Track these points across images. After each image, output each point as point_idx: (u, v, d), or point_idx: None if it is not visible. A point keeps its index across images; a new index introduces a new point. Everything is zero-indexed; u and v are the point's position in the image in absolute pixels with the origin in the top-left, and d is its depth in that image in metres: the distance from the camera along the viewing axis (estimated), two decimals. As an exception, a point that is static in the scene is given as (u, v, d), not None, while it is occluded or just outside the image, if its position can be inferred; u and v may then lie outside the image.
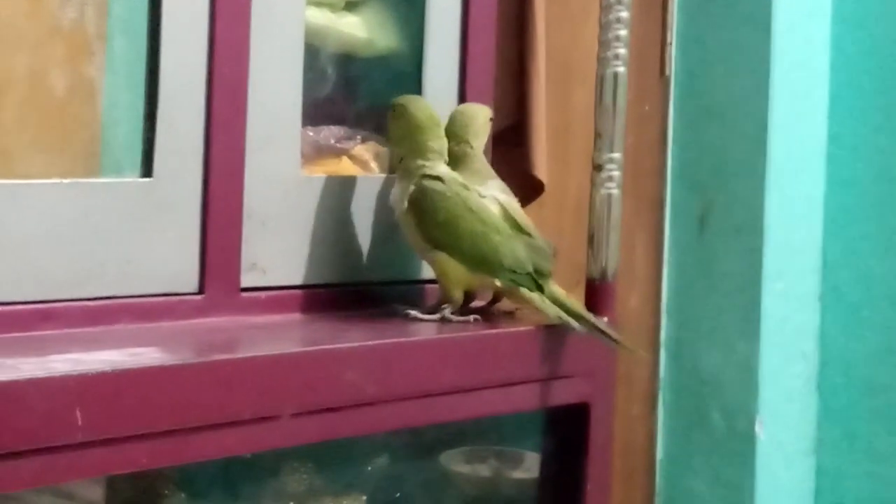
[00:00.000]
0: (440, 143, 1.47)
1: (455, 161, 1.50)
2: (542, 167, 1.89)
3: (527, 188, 1.84)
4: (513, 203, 1.51)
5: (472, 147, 1.52)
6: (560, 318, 1.43)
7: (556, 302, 1.47)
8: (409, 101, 1.49)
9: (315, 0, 1.51)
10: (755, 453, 2.29)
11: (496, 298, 1.53)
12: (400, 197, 1.46)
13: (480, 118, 1.54)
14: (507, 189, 1.53)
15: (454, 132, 1.51)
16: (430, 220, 1.44)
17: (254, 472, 1.37)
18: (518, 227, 1.49)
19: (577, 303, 1.49)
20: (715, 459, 2.33)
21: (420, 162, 1.46)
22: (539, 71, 1.89)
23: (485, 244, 1.44)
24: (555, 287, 1.49)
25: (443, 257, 1.45)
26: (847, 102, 2.39)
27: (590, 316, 1.47)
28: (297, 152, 1.44)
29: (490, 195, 1.49)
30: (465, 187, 1.46)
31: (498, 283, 1.46)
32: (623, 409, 2.20)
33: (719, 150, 2.34)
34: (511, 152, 1.86)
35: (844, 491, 2.39)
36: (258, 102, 1.38)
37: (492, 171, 1.55)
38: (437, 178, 1.45)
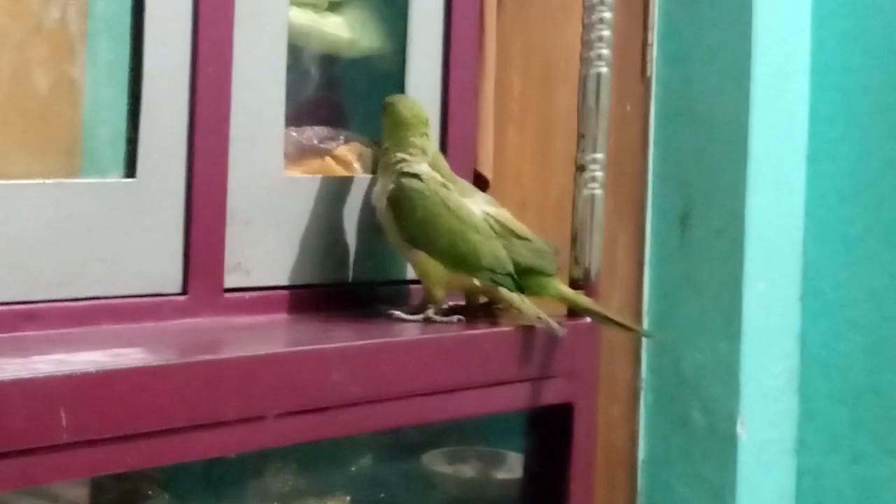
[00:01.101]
0: (423, 141, 1.48)
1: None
2: (487, 163, 1.89)
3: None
4: (502, 213, 1.52)
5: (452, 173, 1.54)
6: (540, 318, 1.44)
7: (564, 298, 1.50)
8: (398, 98, 1.51)
9: (298, 0, 1.51)
10: (737, 453, 2.29)
11: (491, 301, 1.53)
12: (380, 195, 1.47)
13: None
14: (492, 200, 1.54)
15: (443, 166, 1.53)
16: (408, 217, 1.44)
17: (238, 472, 1.37)
18: (516, 234, 1.49)
19: (586, 298, 1.52)
20: (696, 459, 2.33)
21: (401, 155, 1.46)
22: (488, 67, 1.89)
23: (463, 243, 1.45)
24: (561, 285, 1.51)
25: (422, 256, 1.45)
26: (828, 104, 2.39)
27: (602, 309, 1.52)
28: (281, 152, 1.44)
29: (480, 210, 1.50)
30: (444, 186, 1.46)
31: (477, 282, 1.46)
32: (605, 410, 2.20)
33: (700, 152, 2.34)
34: None
35: (826, 491, 2.40)
36: (241, 103, 1.38)
37: (473, 188, 1.55)
38: (416, 175, 1.45)
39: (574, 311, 1.53)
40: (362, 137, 1.59)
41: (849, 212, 2.36)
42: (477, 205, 1.50)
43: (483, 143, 1.90)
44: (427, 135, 1.48)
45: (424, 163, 1.47)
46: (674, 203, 2.37)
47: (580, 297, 1.51)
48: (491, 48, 1.89)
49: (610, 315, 1.53)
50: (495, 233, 1.48)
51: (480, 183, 1.88)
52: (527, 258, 1.49)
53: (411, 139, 1.47)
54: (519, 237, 1.50)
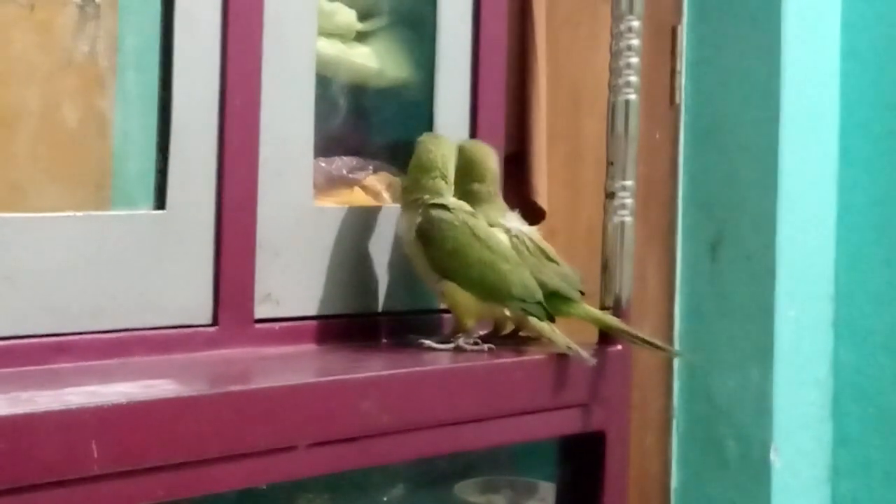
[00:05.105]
0: (435, 183, 1.45)
1: (479, 201, 1.50)
2: (543, 194, 1.90)
3: (527, 215, 1.85)
4: (534, 233, 1.52)
5: (493, 187, 1.53)
6: (570, 348, 1.43)
7: (592, 318, 1.50)
8: (424, 138, 1.49)
9: (326, 31, 1.51)
10: (770, 481, 2.28)
11: (519, 328, 1.53)
12: (407, 227, 1.46)
13: (494, 157, 1.55)
14: (522, 219, 1.54)
15: (477, 174, 1.51)
16: (437, 249, 1.44)
17: (269, 503, 1.36)
18: (546, 256, 1.49)
19: (614, 318, 1.51)
20: (730, 487, 2.32)
21: (416, 195, 1.45)
22: (540, 99, 1.90)
23: (493, 273, 1.44)
24: (589, 308, 1.51)
25: (452, 287, 1.44)
26: (858, 128, 2.39)
27: (632, 329, 1.51)
28: (310, 183, 1.44)
29: (515, 227, 1.50)
30: (473, 215, 1.45)
31: (507, 312, 1.46)
32: (637, 438, 2.19)
33: (730, 178, 2.34)
34: (513, 179, 1.86)
35: (861, 518, 2.39)
36: (270, 133, 1.38)
37: (505, 205, 1.55)
38: (443, 206, 1.44)
39: (605, 335, 1.52)
40: (391, 167, 1.59)
41: (881, 236, 2.36)
42: (511, 223, 1.50)
43: (538, 174, 1.90)
44: (442, 177, 1.46)
45: (448, 195, 1.46)
46: (704, 229, 2.36)
47: (608, 318, 1.51)
48: (542, 81, 1.89)
49: (639, 334, 1.52)
50: (528, 251, 1.48)
51: (536, 214, 1.89)
52: (553, 280, 1.48)
53: (421, 181, 1.46)
54: (549, 259, 1.50)
